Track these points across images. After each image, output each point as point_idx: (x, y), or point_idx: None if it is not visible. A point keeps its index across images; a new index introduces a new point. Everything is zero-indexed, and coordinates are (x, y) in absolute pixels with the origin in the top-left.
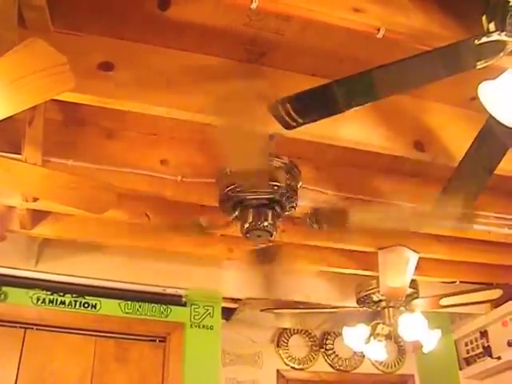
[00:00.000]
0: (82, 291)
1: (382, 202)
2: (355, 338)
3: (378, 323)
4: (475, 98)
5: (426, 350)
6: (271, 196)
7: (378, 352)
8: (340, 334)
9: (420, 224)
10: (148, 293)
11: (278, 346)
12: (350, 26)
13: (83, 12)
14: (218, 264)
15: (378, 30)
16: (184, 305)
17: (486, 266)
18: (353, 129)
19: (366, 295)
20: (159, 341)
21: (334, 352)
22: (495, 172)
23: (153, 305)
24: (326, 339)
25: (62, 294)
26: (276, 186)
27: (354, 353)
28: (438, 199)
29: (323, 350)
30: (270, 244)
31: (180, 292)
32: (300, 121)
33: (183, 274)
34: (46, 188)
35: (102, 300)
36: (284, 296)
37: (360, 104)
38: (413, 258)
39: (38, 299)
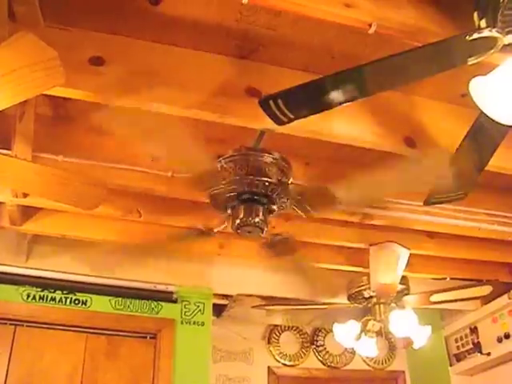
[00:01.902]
0: (72, 288)
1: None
2: (346, 334)
3: (369, 320)
4: (466, 94)
5: (416, 346)
6: (262, 191)
7: (368, 348)
8: (331, 331)
9: (404, 185)
10: (139, 289)
11: (268, 342)
12: (341, 22)
13: (74, 6)
14: (209, 260)
15: (370, 25)
16: (175, 301)
17: (476, 262)
18: (344, 125)
19: (356, 292)
20: (150, 337)
21: (325, 348)
22: (486, 168)
23: (143, 301)
24: (317, 336)
25: (52, 290)
26: (267, 181)
27: (345, 349)
28: (428, 195)
29: (314, 346)
30: (285, 237)
31: (171, 288)
32: (291, 116)
33: (174, 271)
34: (36, 184)
35: (93, 296)
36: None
37: (351, 100)
38: (403, 254)
39: (28, 296)
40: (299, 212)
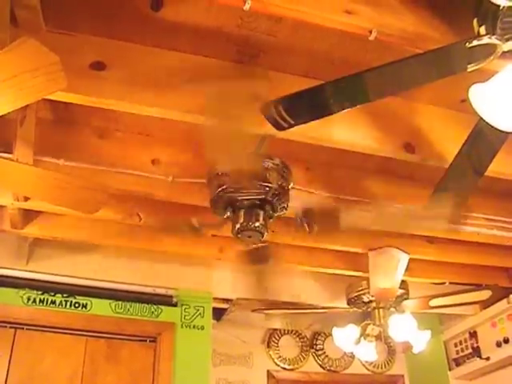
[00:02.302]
0: (72, 291)
1: (372, 203)
2: (345, 338)
3: (368, 324)
4: (466, 99)
5: (415, 350)
6: (262, 197)
7: (368, 352)
8: (330, 335)
9: (411, 225)
10: (139, 293)
11: (268, 346)
12: (342, 28)
13: (76, 11)
14: (209, 264)
15: (370, 32)
16: (175, 305)
17: (475, 267)
18: (344, 130)
19: (356, 296)
20: (150, 341)
21: (324, 352)
22: (485, 174)
23: (143, 305)
24: (317, 340)
25: (52, 293)
26: (267, 186)
27: (344, 353)
28: (428, 201)
29: (313, 350)
30: (263, 244)
31: (171, 292)
32: (292, 122)
33: (174, 274)
34: (37, 187)
35: (93, 300)
36: (275, 296)
37: (351, 106)
38: (403, 259)
39: (28, 299)
40: (305, 228)
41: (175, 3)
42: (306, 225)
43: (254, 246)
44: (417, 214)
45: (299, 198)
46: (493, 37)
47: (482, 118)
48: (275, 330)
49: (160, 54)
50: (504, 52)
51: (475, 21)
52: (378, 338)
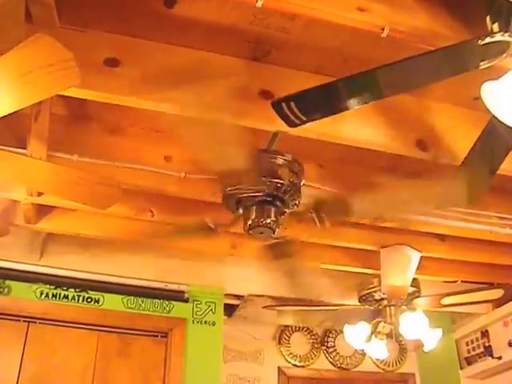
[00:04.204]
0: (85, 286)
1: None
2: (356, 336)
3: (380, 321)
4: (478, 97)
5: (426, 348)
6: (274, 193)
7: (379, 350)
8: (341, 332)
9: (420, 207)
10: (151, 288)
11: (279, 343)
12: (354, 25)
13: (90, 8)
14: (221, 260)
15: (383, 29)
16: (186, 301)
17: (487, 265)
18: (356, 127)
19: (367, 293)
20: (161, 336)
21: (336, 350)
22: (498, 172)
23: (155, 300)
24: (328, 337)
25: (65, 288)
26: (279, 183)
27: (355, 351)
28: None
29: (324, 347)
30: (285, 239)
31: (182, 288)
32: (304, 119)
33: (186, 270)
34: (50, 183)
35: (105, 295)
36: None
37: (363, 103)
38: (415, 256)
39: (41, 293)
40: (316, 221)
41: (188, 0)
42: (316, 219)
43: (276, 240)
44: (430, 195)
45: (311, 195)
46: (506, 34)
47: (494, 116)
48: (286, 326)
49: (173, 50)
50: None
51: (488, 18)
52: (389, 335)
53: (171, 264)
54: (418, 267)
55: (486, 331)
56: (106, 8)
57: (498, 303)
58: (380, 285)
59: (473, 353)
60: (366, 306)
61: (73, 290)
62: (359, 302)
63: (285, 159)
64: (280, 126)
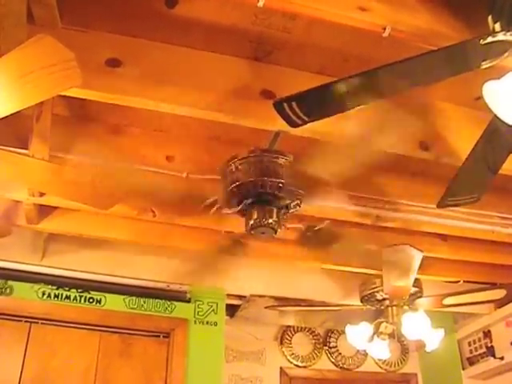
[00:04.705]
0: (87, 286)
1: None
2: (358, 336)
3: (382, 322)
4: (480, 97)
5: (428, 349)
6: (276, 193)
7: (381, 350)
8: (343, 332)
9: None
10: (153, 288)
11: (281, 343)
12: (356, 25)
13: (91, 9)
14: (223, 260)
15: (384, 29)
16: (188, 301)
17: (489, 265)
18: (357, 127)
19: (369, 293)
20: (163, 336)
21: (338, 350)
22: (500, 172)
23: (157, 300)
24: (330, 337)
25: (67, 288)
26: (281, 183)
27: (357, 351)
28: (442, 198)
29: (326, 347)
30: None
31: (184, 288)
32: (305, 119)
33: (188, 270)
34: (52, 183)
35: (107, 295)
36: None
37: (365, 102)
38: (417, 256)
39: (43, 293)
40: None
41: (190, 0)
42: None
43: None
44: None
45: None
46: (508, 33)
47: (496, 116)
48: (288, 327)
49: (175, 50)
50: None
51: (490, 17)
52: (391, 336)
53: (173, 264)
54: (420, 267)
55: (489, 331)
56: (108, 8)
57: (501, 303)
58: (382, 285)
59: (475, 353)
60: (368, 307)
61: (75, 290)
62: (361, 302)
63: (287, 159)
64: (281, 125)
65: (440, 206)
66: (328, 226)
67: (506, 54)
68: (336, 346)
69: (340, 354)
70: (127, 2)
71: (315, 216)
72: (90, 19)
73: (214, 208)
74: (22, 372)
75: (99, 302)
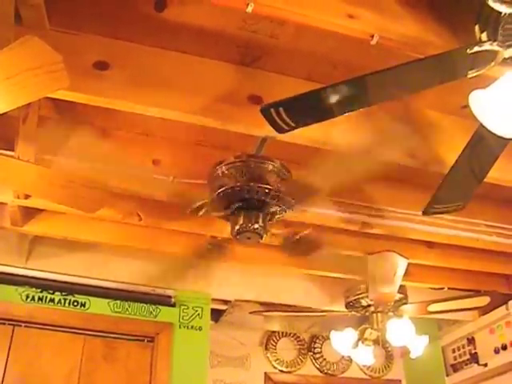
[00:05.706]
0: (71, 289)
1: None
2: (343, 342)
3: (366, 328)
4: (467, 105)
5: (413, 355)
6: (262, 198)
7: (365, 356)
8: (328, 338)
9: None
10: (137, 292)
11: (266, 348)
12: (344, 32)
13: (80, 11)
14: (208, 265)
15: (372, 36)
16: (173, 305)
17: (474, 273)
18: (345, 134)
19: (354, 300)
20: (147, 340)
21: (322, 356)
22: (485, 180)
23: (142, 304)
24: (315, 343)
25: (51, 291)
26: (267, 188)
27: (342, 357)
28: (427, 205)
29: (311, 353)
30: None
31: (169, 292)
32: (292, 125)
33: (173, 275)
34: (38, 185)
35: (92, 299)
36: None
37: (353, 109)
38: (402, 263)
39: (27, 296)
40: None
41: (179, 4)
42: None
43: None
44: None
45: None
46: (494, 43)
47: (482, 124)
48: (273, 332)
49: (163, 54)
50: (505, 58)
51: (477, 27)
52: (375, 342)
53: (159, 268)
54: (405, 274)
55: (473, 338)
56: (97, 11)
57: (485, 310)
58: (367, 291)
59: (459, 360)
60: (353, 313)
61: (59, 293)
62: (346, 308)
63: (273, 165)
64: (269, 131)
65: (425, 213)
66: (310, 234)
67: (493, 64)
68: (321, 352)
69: (325, 359)
70: (116, 5)
71: (302, 222)
72: (79, 21)
73: (201, 212)
74: (4, 375)
75: (83, 305)
